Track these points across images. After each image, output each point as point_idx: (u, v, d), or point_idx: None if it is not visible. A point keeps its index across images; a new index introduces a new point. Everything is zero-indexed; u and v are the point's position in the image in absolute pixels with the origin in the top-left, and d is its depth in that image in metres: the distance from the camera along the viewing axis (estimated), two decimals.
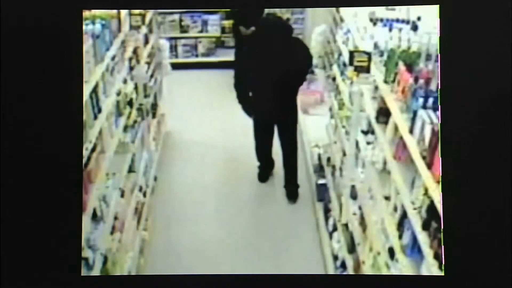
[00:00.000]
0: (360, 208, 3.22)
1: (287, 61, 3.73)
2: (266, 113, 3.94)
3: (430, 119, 2.36)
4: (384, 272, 2.71)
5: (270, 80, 3.76)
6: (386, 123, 2.88)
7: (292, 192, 4.07)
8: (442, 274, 2.29)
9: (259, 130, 4.08)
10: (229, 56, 5.13)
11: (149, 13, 4.30)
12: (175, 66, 4.90)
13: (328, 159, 4.07)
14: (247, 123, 4.21)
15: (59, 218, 2.41)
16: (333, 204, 3.75)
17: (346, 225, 3.48)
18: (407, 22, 2.96)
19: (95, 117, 2.79)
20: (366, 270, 2.98)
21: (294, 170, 4.10)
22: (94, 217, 2.72)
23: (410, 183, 2.49)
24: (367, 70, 2.99)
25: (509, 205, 2.32)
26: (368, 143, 3.16)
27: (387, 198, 2.80)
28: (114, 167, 3.16)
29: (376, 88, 3.02)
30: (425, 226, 2.35)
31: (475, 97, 2.36)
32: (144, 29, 4.11)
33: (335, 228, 3.63)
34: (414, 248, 2.47)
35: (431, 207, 2.31)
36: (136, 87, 3.87)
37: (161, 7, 3.56)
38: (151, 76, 4.31)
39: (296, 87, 3.90)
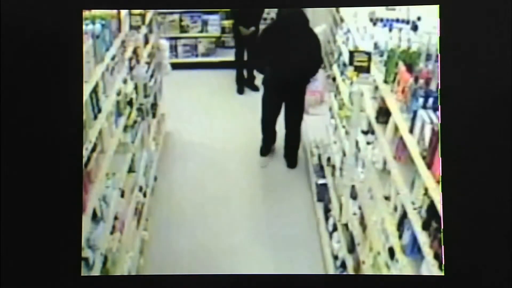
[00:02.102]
0: (360, 208, 3.22)
1: (303, 53, 3.95)
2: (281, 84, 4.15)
3: (430, 119, 2.36)
4: (384, 272, 2.71)
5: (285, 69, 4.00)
6: (386, 123, 2.88)
7: (291, 161, 4.35)
8: (442, 274, 2.29)
9: (267, 104, 4.23)
10: (229, 56, 5.12)
11: (149, 13, 4.29)
12: (175, 66, 4.89)
13: (328, 159, 4.07)
14: (247, 123, 4.20)
15: (59, 218, 2.41)
16: (333, 204, 3.75)
17: (346, 225, 3.47)
18: (407, 22, 2.96)
19: (95, 117, 2.79)
20: (366, 270, 2.98)
21: (295, 146, 4.36)
22: (94, 217, 2.72)
23: (410, 183, 2.49)
24: (367, 70, 2.99)
25: (509, 205, 2.32)
26: (368, 143, 3.16)
27: (387, 198, 2.80)
28: (114, 167, 3.16)
29: (376, 88, 3.02)
30: (425, 226, 2.35)
31: (475, 97, 2.36)
32: (144, 29, 4.10)
33: (335, 228, 3.63)
34: (414, 248, 2.48)
35: (431, 207, 2.31)
36: (136, 87, 3.87)
37: (161, 7, 3.56)
38: (151, 76, 4.31)
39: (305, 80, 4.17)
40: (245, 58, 4.89)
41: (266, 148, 4.38)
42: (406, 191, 2.51)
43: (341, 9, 3.90)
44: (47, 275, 2.40)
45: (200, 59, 5.35)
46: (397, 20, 3.03)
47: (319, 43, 4.03)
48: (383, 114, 2.93)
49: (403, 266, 2.49)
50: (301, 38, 3.94)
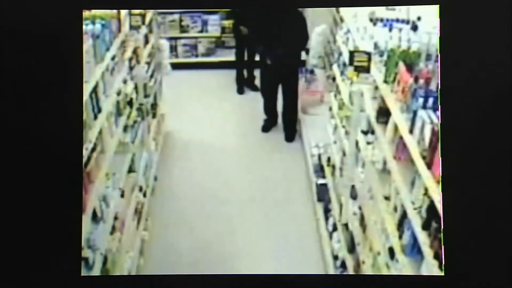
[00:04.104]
0: (360, 208, 3.22)
1: (290, 31, 4.30)
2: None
3: (430, 119, 2.36)
4: (384, 272, 2.71)
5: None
6: (386, 123, 2.88)
7: (289, 135, 4.70)
8: (442, 274, 2.29)
9: (266, 88, 4.62)
10: (229, 56, 5.13)
11: (149, 13, 4.30)
12: (175, 66, 4.90)
13: (328, 159, 4.07)
14: (247, 123, 4.20)
15: (59, 218, 2.41)
16: (333, 204, 3.75)
17: (346, 225, 3.47)
18: (407, 22, 2.96)
19: (95, 117, 2.79)
20: (366, 270, 2.98)
21: (293, 120, 4.72)
22: (94, 217, 2.72)
23: (410, 183, 2.49)
24: (367, 70, 2.99)
25: (509, 205, 2.32)
26: (368, 143, 3.16)
27: (387, 198, 2.80)
28: (114, 167, 3.16)
29: (376, 88, 3.02)
30: (425, 226, 2.35)
31: (475, 97, 2.36)
32: (144, 29, 4.11)
33: (335, 228, 3.63)
34: (414, 248, 2.48)
35: (431, 207, 2.31)
36: (136, 87, 3.87)
37: (161, 7, 3.56)
38: (151, 76, 4.31)
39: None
40: (245, 58, 4.90)
41: (268, 127, 4.66)
42: (406, 191, 2.51)
43: (341, 9, 3.90)
44: (47, 275, 2.40)
45: (200, 59, 5.36)
46: (397, 20, 3.03)
47: (304, 20, 4.32)
48: (383, 114, 2.92)
49: (403, 266, 2.49)
50: (286, 18, 4.25)
